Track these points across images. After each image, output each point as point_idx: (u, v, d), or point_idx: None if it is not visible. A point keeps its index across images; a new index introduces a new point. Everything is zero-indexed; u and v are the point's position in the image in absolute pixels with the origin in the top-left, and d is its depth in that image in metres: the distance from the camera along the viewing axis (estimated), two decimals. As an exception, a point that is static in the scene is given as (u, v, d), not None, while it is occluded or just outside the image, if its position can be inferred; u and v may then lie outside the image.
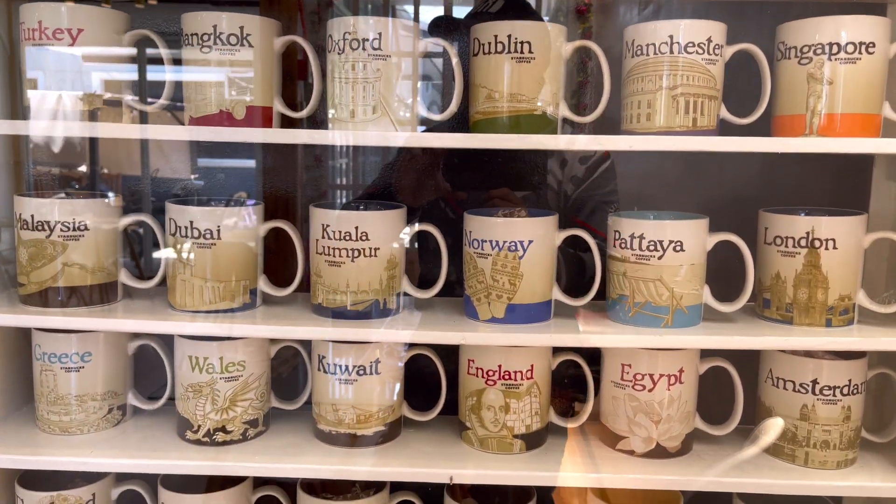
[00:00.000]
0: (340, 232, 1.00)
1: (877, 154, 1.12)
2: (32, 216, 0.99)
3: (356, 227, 0.99)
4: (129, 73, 1.03)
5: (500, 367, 1.02)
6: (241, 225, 1.02)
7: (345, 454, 1.04)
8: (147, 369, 1.16)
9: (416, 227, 1.05)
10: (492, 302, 1.01)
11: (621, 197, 1.29)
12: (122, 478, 1.12)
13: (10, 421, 1.12)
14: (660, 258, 0.98)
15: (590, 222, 1.24)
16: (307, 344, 1.09)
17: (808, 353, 1.02)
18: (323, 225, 1.00)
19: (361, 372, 1.03)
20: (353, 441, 1.05)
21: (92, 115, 0.99)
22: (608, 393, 1.06)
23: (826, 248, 0.98)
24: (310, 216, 1.03)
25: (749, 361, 1.08)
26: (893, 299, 1.01)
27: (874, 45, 0.93)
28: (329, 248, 1.00)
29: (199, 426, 1.04)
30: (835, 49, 0.93)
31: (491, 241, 0.99)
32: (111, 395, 1.09)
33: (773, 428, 1.05)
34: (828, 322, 0.99)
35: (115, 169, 1.01)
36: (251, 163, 1.03)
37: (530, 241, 0.99)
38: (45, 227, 0.99)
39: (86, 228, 1.01)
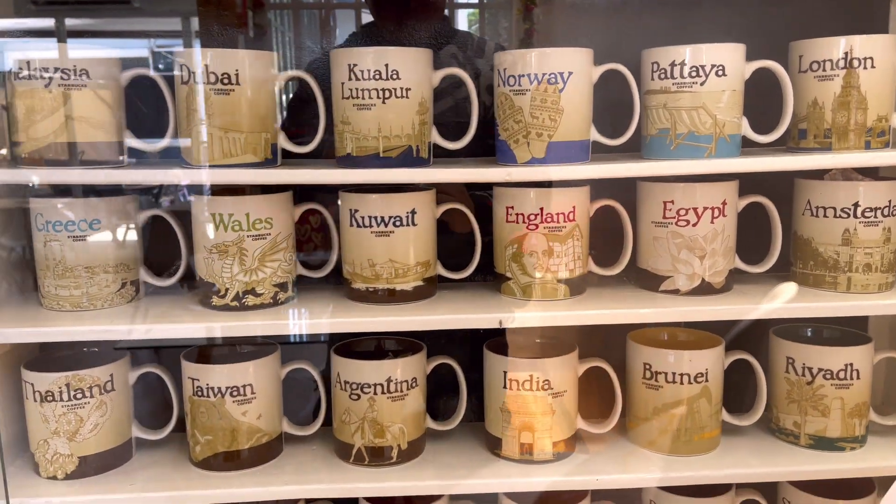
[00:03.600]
0: (370, 70, 0.93)
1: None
2: (28, 63, 0.90)
3: (386, 65, 0.93)
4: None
5: (541, 209, 0.98)
6: (260, 71, 0.95)
7: (383, 311, 0.99)
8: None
9: (445, 71, 0.99)
10: (531, 142, 0.96)
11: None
12: (137, 363, 1.05)
13: (11, 302, 1.03)
14: (702, 84, 0.95)
15: None
16: (333, 209, 1.03)
17: (847, 179, 1.02)
18: (350, 65, 0.94)
19: (398, 223, 0.98)
20: (391, 297, 1.00)
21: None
22: (648, 235, 1.04)
23: (864, 68, 0.97)
24: (332, 62, 0.97)
25: (779, 202, 1.07)
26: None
27: None
28: (357, 89, 0.94)
29: (227, 289, 0.97)
30: None
31: (529, 76, 0.95)
32: (123, 268, 1.01)
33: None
34: (867, 144, 0.99)
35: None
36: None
37: (570, 73, 0.95)
38: (43, 75, 0.90)
39: (88, 77, 0.92)
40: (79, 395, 0.97)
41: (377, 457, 1.01)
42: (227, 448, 1.00)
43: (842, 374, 1.02)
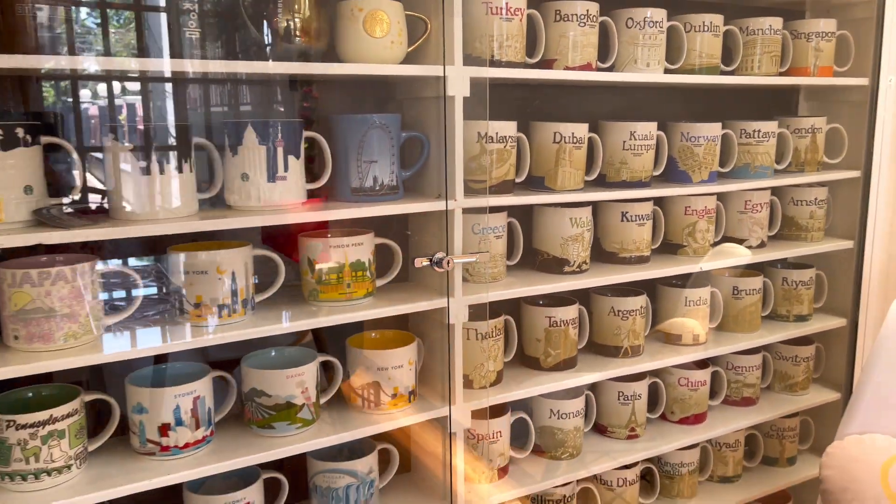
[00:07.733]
0: (643, 134, 1.70)
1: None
2: (497, 132, 1.49)
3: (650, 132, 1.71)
4: None
5: (705, 206, 1.85)
6: (587, 134, 1.65)
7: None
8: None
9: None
10: (702, 170, 1.82)
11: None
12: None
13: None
14: (767, 141, 1.91)
15: None
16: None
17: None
18: (631, 132, 1.69)
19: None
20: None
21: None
22: (734, 217, 1.96)
23: (819, 133, 2.02)
24: (610, 130, 1.70)
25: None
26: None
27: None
28: (635, 145, 1.70)
29: (574, 260, 1.66)
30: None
31: (703, 137, 1.80)
32: (505, 255, 1.62)
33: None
34: (818, 169, 2.04)
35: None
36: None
37: (717, 135, 1.83)
38: (505, 140, 1.50)
39: (516, 141, 1.54)
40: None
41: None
42: (568, 357, 1.68)
43: (809, 282, 2.08)
